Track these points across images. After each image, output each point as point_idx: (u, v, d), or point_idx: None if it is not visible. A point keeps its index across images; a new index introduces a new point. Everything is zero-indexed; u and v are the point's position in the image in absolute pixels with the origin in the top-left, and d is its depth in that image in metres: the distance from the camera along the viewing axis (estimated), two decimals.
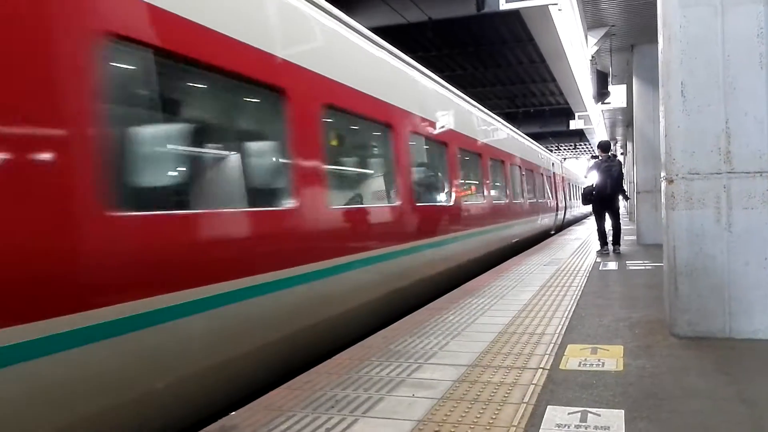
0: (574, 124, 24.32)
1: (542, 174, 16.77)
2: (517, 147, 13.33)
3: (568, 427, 2.51)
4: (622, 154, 26.18)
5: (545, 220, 16.77)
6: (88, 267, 2.59)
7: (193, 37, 3.29)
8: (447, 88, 8.44)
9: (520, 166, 13.24)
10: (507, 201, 11.62)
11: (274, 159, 4.47)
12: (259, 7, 4.02)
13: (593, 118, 21.78)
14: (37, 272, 2.36)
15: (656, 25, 4.24)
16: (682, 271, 3.97)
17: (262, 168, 4.45)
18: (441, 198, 7.89)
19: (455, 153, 8.08)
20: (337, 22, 5.15)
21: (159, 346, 2.91)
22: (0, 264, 2.23)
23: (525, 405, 2.77)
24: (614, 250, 9.94)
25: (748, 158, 3.83)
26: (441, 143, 7.74)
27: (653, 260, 8.35)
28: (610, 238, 10.08)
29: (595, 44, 11.16)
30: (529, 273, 7.65)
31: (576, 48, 11.68)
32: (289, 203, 4.11)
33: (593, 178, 9.85)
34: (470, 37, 19.82)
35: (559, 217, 20.10)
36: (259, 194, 4.18)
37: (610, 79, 13.64)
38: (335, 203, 4.79)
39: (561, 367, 3.40)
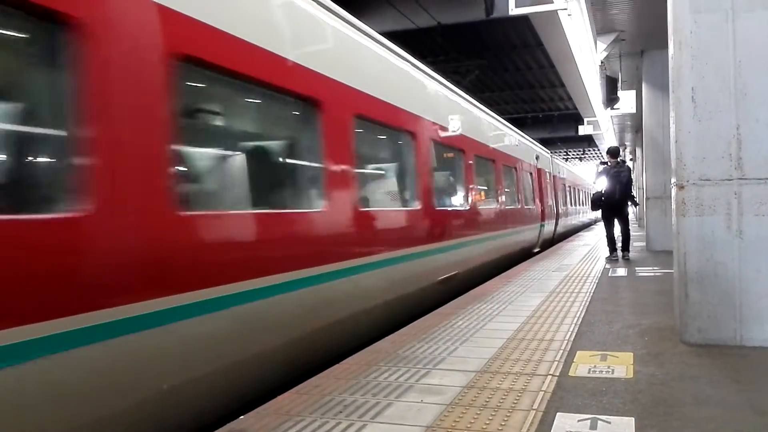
0: (583, 130, 24.16)
1: (516, 169, 11.62)
2: (442, 111, 7.56)
3: None
4: (631, 159, 26.07)
5: (518, 236, 11.41)
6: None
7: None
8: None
9: (461, 150, 8.15)
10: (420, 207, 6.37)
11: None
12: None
13: (602, 124, 21.67)
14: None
15: (666, 30, 4.23)
16: (692, 278, 3.94)
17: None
18: None
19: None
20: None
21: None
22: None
23: (534, 412, 2.75)
24: (623, 257, 9.89)
25: (760, 164, 3.80)
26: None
27: (663, 267, 8.31)
28: (619, 245, 10.03)
29: (604, 49, 11.14)
30: (537, 279, 7.63)
31: (585, 53, 11.66)
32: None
33: (602, 184, 9.83)
34: (479, 42, 19.83)
35: (546, 229, 14.75)
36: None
37: (619, 85, 13.62)
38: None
39: (570, 373, 3.38)
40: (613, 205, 9.75)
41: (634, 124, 19.66)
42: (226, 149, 4.06)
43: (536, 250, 13.38)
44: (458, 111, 8.23)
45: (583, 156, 49.45)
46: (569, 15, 8.64)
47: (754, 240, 3.82)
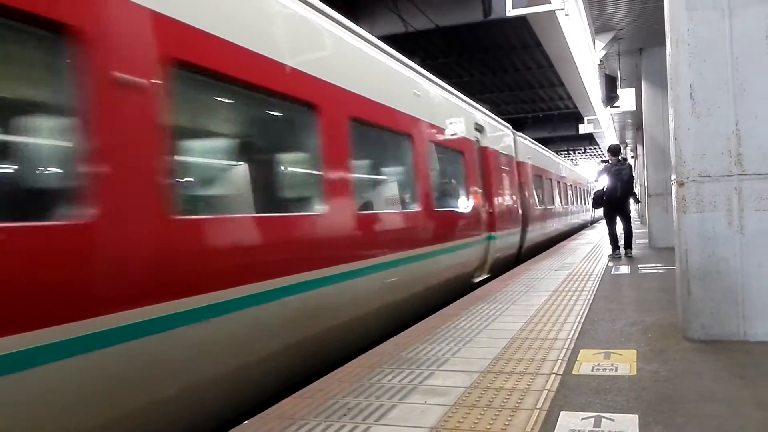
0: (584, 128, 24.15)
1: (461, 153, 8.13)
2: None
3: None
4: (632, 157, 26.04)
5: (452, 258, 7.23)
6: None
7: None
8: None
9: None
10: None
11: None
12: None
13: (603, 122, 21.66)
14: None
15: (664, 28, 4.24)
16: (694, 274, 3.94)
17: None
18: None
19: None
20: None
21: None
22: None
23: (538, 411, 2.76)
24: (626, 254, 9.89)
25: (760, 160, 3.81)
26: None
27: (665, 264, 8.29)
28: (621, 242, 10.03)
29: (603, 48, 11.15)
30: (540, 278, 7.62)
31: (584, 52, 11.66)
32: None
33: (604, 182, 9.85)
34: (477, 44, 19.84)
35: (500, 243, 9.53)
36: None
37: (618, 83, 13.61)
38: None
39: (574, 372, 3.38)
40: (614, 202, 9.76)
41: (635, 122, 19.63)
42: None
43: (478, 279, 8.44)
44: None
45: (584, 154, 49.42)
46: (566, 15, 8.65)
47: (756, 235, 3.82)
